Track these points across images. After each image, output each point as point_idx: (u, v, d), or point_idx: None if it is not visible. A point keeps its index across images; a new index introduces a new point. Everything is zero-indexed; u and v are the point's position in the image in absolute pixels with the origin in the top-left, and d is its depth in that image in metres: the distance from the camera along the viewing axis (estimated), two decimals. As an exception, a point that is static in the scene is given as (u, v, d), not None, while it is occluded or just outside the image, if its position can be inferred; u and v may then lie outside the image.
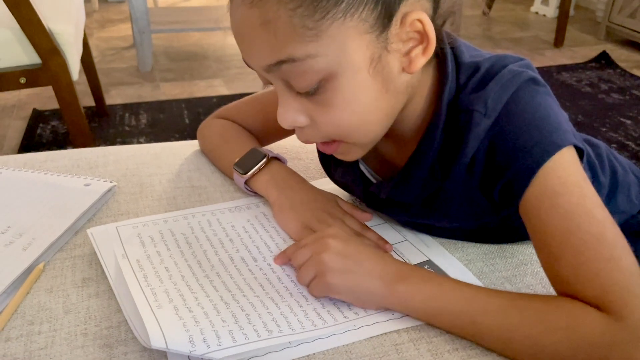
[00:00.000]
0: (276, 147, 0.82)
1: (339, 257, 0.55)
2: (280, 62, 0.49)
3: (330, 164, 0.70)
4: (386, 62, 0.50)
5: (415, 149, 0.58)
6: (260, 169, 0.71)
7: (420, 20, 0.50)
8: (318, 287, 0.55)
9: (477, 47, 0.61)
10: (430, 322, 0.53)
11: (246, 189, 0.72)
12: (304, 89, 0.50)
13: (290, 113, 0.53)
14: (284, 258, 0.61)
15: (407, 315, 0.54)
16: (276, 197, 0.68)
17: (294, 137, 0.82)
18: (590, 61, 2.81)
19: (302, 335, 0.51)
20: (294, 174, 0.71)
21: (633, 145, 2.02)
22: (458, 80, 0.56)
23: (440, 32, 0.55)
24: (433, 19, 0.52)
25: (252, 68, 0.53)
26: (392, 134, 0.58)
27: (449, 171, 0.56)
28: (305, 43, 0.47)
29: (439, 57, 0.56)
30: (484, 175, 0.55)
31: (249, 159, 0.72)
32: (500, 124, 0.52)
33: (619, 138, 2.07)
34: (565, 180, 0.51)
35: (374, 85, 0.51)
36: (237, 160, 0.72)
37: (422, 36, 0.51)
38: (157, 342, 0.47)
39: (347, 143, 0.56)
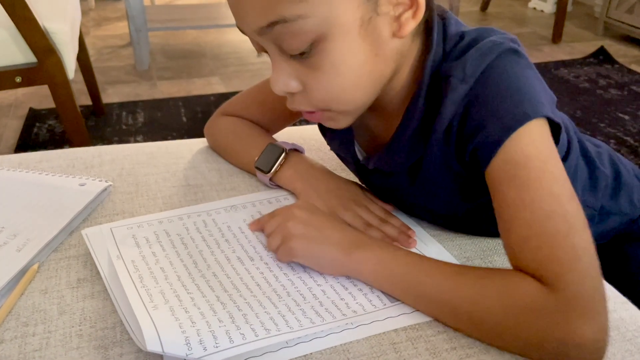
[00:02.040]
0: (294, 139, 0.83)
1: (302, 225, 0.58)
2: (272, 24, 0.49)
3: (326, 135, 0.72)
4: (376, 25, 0.51)
5: (402, 118, 0.58)
6: (281, 165, 0.72)
7: None
8: (283, 252, 0.59)
9: None
10: (380, 286, 0.56)
11: (271, 184, 0.74)
12: (295, 50, 0.51)
13: (282, 77, 0.54)
14: (257, 225, 0.65)
15: (396, 299, 0.55)
16: (302, 188, 0.70)
17: (311, 129, 0.83)
18: (589, 57, 2.80)
19: (300, 332, 0.51)
20: (315, 163, 0.73)
21: (631, 141, 2.01)
22: (444, 51, 0.56)
23: (431, 2, 0.56)
24: None
25: (245, 34, 0.54)
26: (379, 106, 0.59)
27: (429, 139, 0.57)
28: (295, 3, 0.48)
29: (428, 28, 0.57)
30: (457, 140, 0.55)
31: (268, 156, 0.73)
32: (475, 91, 0.53)
33: (618, 134, 2.06)
34: (528, 152, 0.51)
35: (363, 47, 0.51)
36: (256, 158, 0.74)
37: (412, 0, 0.51)
38: (153, 346, 0.47)
39: (332, 112, 0.57)
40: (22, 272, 0.58)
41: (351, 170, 0.74)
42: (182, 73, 2.54)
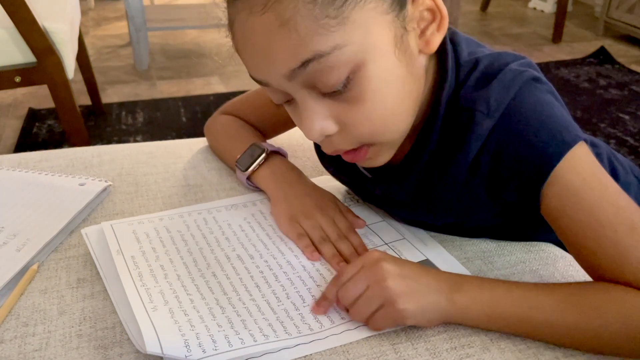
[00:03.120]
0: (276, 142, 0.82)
1: (403, 280, 0.51)
2: (306, 62, 0.46)
3: (325, 157, 0.69)
4: (407, 42, 0.50)
5: (412, 145, 0.57)
6: (260, 165, 0.71)
7: None
8: (388, 317, 0.51)
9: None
10: (488, 328, 0.53)
11: (248, 184, 0.73)
12: (332, 87, 0.47)
13: (318, 121, 0.50)
14: (327, 303, 0.54)
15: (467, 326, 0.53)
16: (273, 190, 0.69)
17: (290, 134, 0.82)
18: (589, 57, 2.80)
19: (299, 339, 0.51)
20: (293, 168, 0.72)
21: (632, 141, 2.01)
22: (457, 77, 0.55)
23: None
24: None
25: (266, 85, 0.50)
26: None
27: (447, 170, 0.55)
28: (330, 34, 0.45)
29: (439, 50, 0.56)
30: (491, 179, 0.55)
31: (249, 155, 0.72)
32: (505, 125, 0.52)
33: (618, 134, 2.06)
34: (584, 175, 0.51)
35: (401, 68, 0.49)
36: (238, 156, 0.73)
37: (434, 13, 0.50)
38: (152, 348, 0.47)
39: (376, 145, 0.53)
40: (22, 272, 0.57)
41: (352, 190, 0.73)
42: (182, 73, 2.53)
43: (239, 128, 0.78)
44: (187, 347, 0.48)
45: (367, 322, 0.52)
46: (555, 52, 2.88)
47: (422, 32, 0.51)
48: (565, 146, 0.50)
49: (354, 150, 0.53)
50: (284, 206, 0.66)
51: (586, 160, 0.52)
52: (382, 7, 0.47)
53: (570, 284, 0.53)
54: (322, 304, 0.54)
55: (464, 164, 0.54)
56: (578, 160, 0.51)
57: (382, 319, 0.51)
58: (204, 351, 0.48)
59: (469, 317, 0.52)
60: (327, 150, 0.54)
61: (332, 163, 0.68)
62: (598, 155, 0.68)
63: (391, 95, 0.50)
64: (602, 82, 2.51)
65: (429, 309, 0.51)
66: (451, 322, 0.53)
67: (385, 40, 0.48)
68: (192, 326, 0.50)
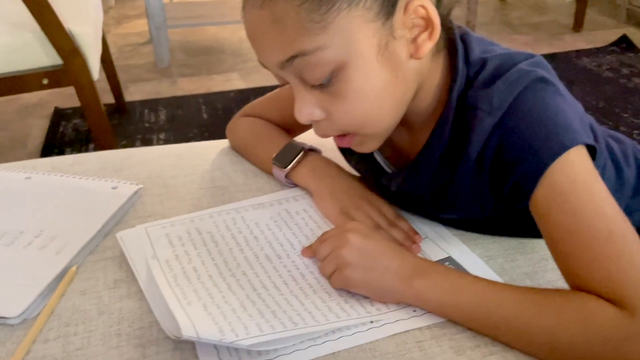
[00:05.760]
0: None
1: (358, 253, 0.56)
2: (292, 57, 0.51)
3: (345, 151, 0.72)
4: (393, 49, 0.52)
5: (426, 141, 0.59)
6: (298, 162, 0.74)
7: (423, 7, 0.52)
8: (337, 280, 0.57)
9: (495, 32, 0.62)
10: (447, 316, 0.55)
11: (287, 182, 0.76)
12: (316, 81, 0.52)
13: (306, 107, 0.55)
14: (310, 252, 0.63)
15: (427, 312, 0.55)
16: (316, 186, 0.72)
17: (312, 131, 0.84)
18: (611, 45, 2.76)
19: (327, 326, 0.53)
20: (331, 162, 0.74)
21: (655, 131, 1.99)
22: (467, 75, 0.57)
23: (448, 22, 0.57)
24: (438, 7, 0.54)
25: (267, 68, 0.55)
26: (404, 123, 0.60)
27: (457, 167, 0.58)
28: (313, 36, 0.50)
29: (449, 49, 0.58)
30: (492, 174, 0.56)
31: (286, 153, 0.75)
32: (507, 123, 0.53)
33: (641, 124, 2.04)
34: (573, 179, 0.51)
35: (383, 72, 0.53)
36: (274, 155, 0.75)
37: (427, 22, 0.53)
38: (188, 331, 0.49)
39: (361, 135, 0.58)
40: (62, 274, 0.60)
41: (369, 186, 0.75)
42: (202, 69, 2.56)
43: (267, 129, 0.81)
44: (221, 332, 0.51)
45: (329, 280, 0.59)
46: (576, 41, 2.84)
47: (414, 39, 0.53)
48: (561, 148, 0.51)
49: (342, 135, 0.58)
50: (332, 201, 0.69)
51: (579, 164, 0.52)
52: (367, 15, 0.50)
53: (540, 288, 0.54)
54: (306, 250, 0.63)
55: (470, 161, 0.56)
56: (570, 163, 0.52)
57: (334, 280, 0.58)
58: (237, 335, 0.50)
59: (426, 302, 0.55)
60: (317, 133, 0.59)
61: (352, 157, 0.71)
62: (624, 152, 0.69)
63: (371, 96, 0.53)
64: (625, 70, 2.48)
65: (378, 285, 0.56)
66: (409, 304, 0.56)
67: (368, 46, 0.51)
68: (225, 317, 0.53)
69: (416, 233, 0.66)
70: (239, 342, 0.49)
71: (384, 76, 0.53)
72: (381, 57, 0.52)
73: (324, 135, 0.59)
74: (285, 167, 0.74)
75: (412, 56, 0.54)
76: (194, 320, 0.52)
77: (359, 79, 0.52)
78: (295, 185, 0.76)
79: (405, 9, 0.52)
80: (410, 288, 0.55)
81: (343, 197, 0.69)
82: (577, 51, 2.71)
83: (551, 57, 2.57)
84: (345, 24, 0.50)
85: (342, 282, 0.57)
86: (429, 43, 0.53)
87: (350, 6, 0.49)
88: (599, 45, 2.78)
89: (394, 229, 0.66)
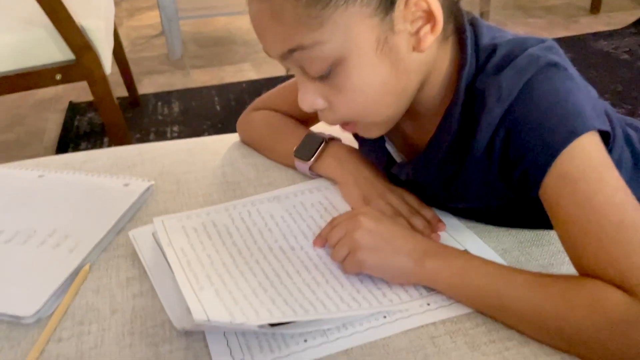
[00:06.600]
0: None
1: (370, 235, 0.57)
2: (291, 50, 0.52)
3: (359, 140, 0.73)
4: (393, 44, 0.52)
5: (435, 130, 0.59)
6: (321, 153, 0.74)
7: (425, 0, 0.51)
8: (350, 263, 0.58)
9: (509, 16, 0.61)
10: (457, 297, 0.55)
11: (311, 173, 0.76)
12: (316, 73, 0.53)
13: (308, 96, 0.56)
14: (322, 240, 0.63)
15: (440, 305, 0.55)
16: (340, 175, 0.72)
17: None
18: (629, 27, 2.70)
19: (338, 315, 0.53)
20: (354, 151, 0.75)
21: (675, 114, 1.95)
22: (477, 62, 0.56)
23: (457, 9, 0.56)
24: None
25: (271, 56, 0.56)
26: (413, 112, 0.60)
27: (466, 155, 0.57)
28: (311, 31, 0.50)
29: (459, 36, 0.57)
30: (501, 163, 0.56)
31: (307, 144, 0.75)
32: (516, 110, 0.52)
33: (660, 107, 2.00)
34: (584, 166, 0.50)
35: (383, 66, 0.53)
36: (295, 148, 0.75)
37: (429, 15, 0.52)
38: (198, 315, 0.50)
39: (362, 123, 0.59)
40: (75, 272, 0.61)
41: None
42: (214, 61, 2.56)
43: (284, 121, 0.80)
44: (232, 315, 0.51)
45: (342, 265, 0.59)
46: (593, 23, 2.78)
47: (416, 32, 0.53)
48: (572, 135, 0.50)
49: (345, 123, 0.59)
50: (355, 189, 0.70)
51: (591, 151, 0.51)
52: (365, 11, 0.50)
53: (550, 273, 0.54)
54: (318, 239, 0.63)
55: (479, 150, 0.56)
56: (581, 150, 0.51)
57: (347, 264, 0.58)
58: (247, 319, 0.51)
59: (437, 282, 0.55)
60: (321, 120, 0.59)
61: (364, 147, 0.72)
62: None
63: (370, 89, 0.54)
64: (644, 53, 2.42)
65: (391, 267, 0.56)
66: (421, 285, 0.57)
67: (366, 42, 0.51)
68: (236, 302, 0.54)
69: (440, 221, 0.66)
70: (249, 324, 0.50)
71: (383, 70, 0.53)
72: (380, 52, 0.52)
73: (328, 123, 0.59)
74: (309, 160, 0.74)
75: (414, 49, 0.53)
76: (205, 304, 0.52)
77: (357, 74, 0.53)
78: (319, 176, 0.76)
79: (406, 2, 0.51)
80: (422, 268, 0.55)
81: (366, 184, 0.70)
82: (594, 34, 2.65)
83: (567, 41, 2.52)
84: (343, 20, 0.50)
85: (355, 264, 0.57)
86: (431, 36, 0.53)
87: (347, 2, 0.49)
88: (616, 27, 2.72)
89: (415, 217, 0.66)
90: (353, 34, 0.50)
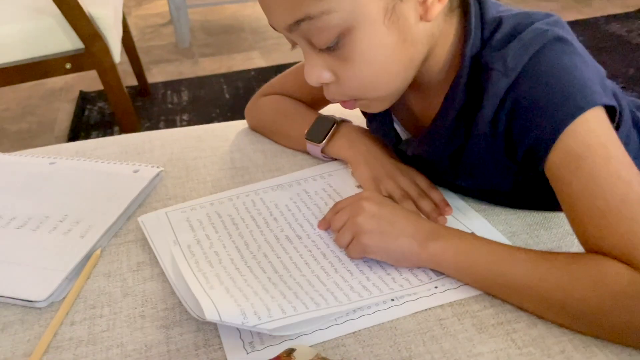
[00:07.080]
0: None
1: (373, 219, 0.57)
2: (298, 22, 0.51)
3: (367, 115, 0.73)
4: (401, 12, 0.52)
5: (441, 105, 0.59)
6: (333, 135, 0.74)
7: None
8: (355, 248, 0.58)
9: (520, 0, 0.60)
10: (462, 277, 0.55)
11: (323, 156, 0.76)
12: (323, 44, 0.52)
13: (315, 70, 0.55)
14: (325, 223, 0.64)
15: (448, 289, 0.55)
16: (352, 155, 0.73)
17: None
18: (642, 9, 2.66)
19: (349, 306, 0.53)
20: (366, 131, 0.75)
21: (689, 98, 1.92)
22: (482, 35, 0.56)
23: None
24: None
25: (277, 30, 0.55)
26: (417, 86, 0.60)
27: (471, 130, 0.57)
28: (318, 0, 0.49)
29: (464, 9, 0.57)
30: (507, 137, 0.55)
31: (318, 127, 0.75)
32: (521, 84, 0.52)
33: (674, 90, 1.97)
34: (589, 142, 0.50)
35: (390, 36, 0.52)
36: (306, 131, 0.75)
37: None
38: (211, 315, 0.50)
39: (366, 100, 0.58)
40: (87, 257, 0.61)
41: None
42: (223, 49, 2.56)
43: (293, 105, 0.80)
44: (244, 315, 0.51)
45: (346, 250, 0.59)
46: (606, 6, 2.74)
47: (424, 1, 0.52)
48: (577, 110, 0.50)
49: (344, 101, 0.59)
50: (366, 169, 0.70)
51: (597, 126, 0.51)
52: None
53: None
54: (322, 223, 0.64)
55: (484, 124, 0.55)
56: (586, 126, 0.50)
57: (352, 248, 0.58)
58: (259, 318, 0.51)
59: (441, 263, 0.55)
60: (326, 96, 0.59)
61: (372, 124, 0.72)
62: None
63: (378, 59, 0.53)
64: (657, 36, 2.39)
65: (395, 250, 0.56)
66: (425, 267, 0.57)
67: (374, 10, 0.50)
68: (247, 299, 0.54)
69: (447, 204, 0.66)
70: (261, 326, 0.50)
71: (391, 40, 0.52)
72: (388, 21, 0.51)
73: (333, 100, 0.59)
74: (320, 142, 0.74)
75: (421, 18, 0.53)
76: (217, 304, 0.52)
77: (365, 43, 0.52)
78: (331, 159, 0.76)
79: None
80: (426, 250, 0.55)
81: (376, 164, 0.70)
82: (607, 17, 2.61)
83: (579, 24, 2.49)
84: None
85: (359, 249, 0.57)
86: (438, 5, 0.52)
87: None
88: (630, 9, 2.67)
89: (424, 199, 0.66)
90: (361, 3, 0.50)
